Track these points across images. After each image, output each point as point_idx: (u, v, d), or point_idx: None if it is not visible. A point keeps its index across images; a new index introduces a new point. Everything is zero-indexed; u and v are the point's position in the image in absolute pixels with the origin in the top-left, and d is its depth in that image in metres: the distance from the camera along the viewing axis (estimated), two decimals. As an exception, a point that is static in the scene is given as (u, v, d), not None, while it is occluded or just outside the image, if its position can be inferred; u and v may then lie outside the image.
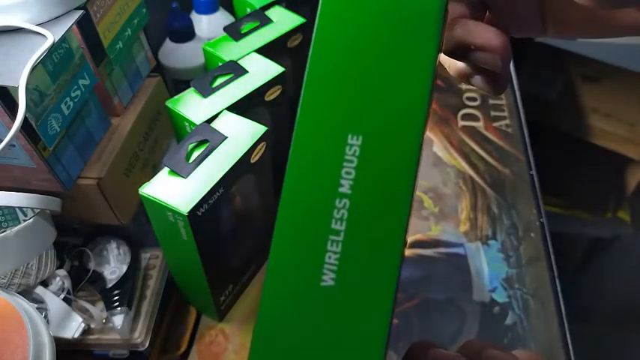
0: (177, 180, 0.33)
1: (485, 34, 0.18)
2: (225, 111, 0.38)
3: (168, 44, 0.55)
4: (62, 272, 0.41)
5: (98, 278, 0.42)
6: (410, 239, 0.51)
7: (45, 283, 0.40)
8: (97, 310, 0.40)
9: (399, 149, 0.15)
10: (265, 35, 0.43)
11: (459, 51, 0.19)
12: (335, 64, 0.16)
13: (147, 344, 0.40)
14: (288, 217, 0.16)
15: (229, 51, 0.42)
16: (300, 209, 0.15)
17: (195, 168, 0.34)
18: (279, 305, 0.15)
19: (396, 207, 0.15)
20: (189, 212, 0.32)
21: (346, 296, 0.15)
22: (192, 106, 0.38)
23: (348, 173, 0.15)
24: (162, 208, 0.32)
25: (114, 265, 0.43)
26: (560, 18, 0.19)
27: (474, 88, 0.69)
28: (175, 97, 0.39)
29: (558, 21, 0.20)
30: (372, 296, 0.15)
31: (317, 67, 0.16)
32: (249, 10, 0.48)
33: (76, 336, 0.38)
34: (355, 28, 0.15)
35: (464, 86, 0.67)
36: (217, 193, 0.34)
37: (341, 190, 0.15)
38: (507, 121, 0.62)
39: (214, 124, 0.37)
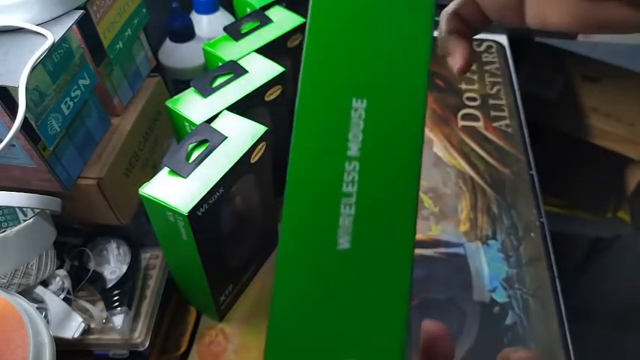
0: (177, 180, 0.33)
1: (453, 56, 0.23)
2: (225, 111, 0.38)
3: (168, 44, 0.55)
4: (62, 272, 0.41)
5: (98, 278, 0.42)
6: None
7: (45, 283, 0.40)
8: (97, 310, 0.40)
9: (404, 108, 0.15)
10: (265, 35, 0.43)
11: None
12: (333, 30, 0.16)
13: (147, 344, 0.40)
14: (298, 185, 0.15)
15: (229, 51, 0.42)
16: (309, 176, 0.15)
17: (195, 168, 0.34)
18: (296, 274, 0.15)
19: (405, 164, 0.15)
20: (189, 212, 0.32)
21: (364, 257, 0.14)
22: (192, 106, 0.38)
23: (355, 136, 0.15)
24: (162, 208, 0.32)
25: (114, 265, 0.43)
26: (540, 7, 0.20)
27: (475, 88, 0.69)
28: (175, 97, 0.39)
29: (538, 10, 0.20)
30: (390, 253, 0.14)
31: (316, 33, 0.16)
32: (249, 10, 0.48)
33: (76, 336, 0.38)
34: None
35: (464, 86, 0.67)
36: (217, 193, 0.34)
37: (349, 153, 0.15)
38: (507, 121, 0.62)
39: (214, 124, 0.37)
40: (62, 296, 0.40)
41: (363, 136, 0.15)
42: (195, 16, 0.58)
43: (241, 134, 0.36)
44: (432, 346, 0.17)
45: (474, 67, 0.69)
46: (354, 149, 0.15)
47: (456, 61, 0.23)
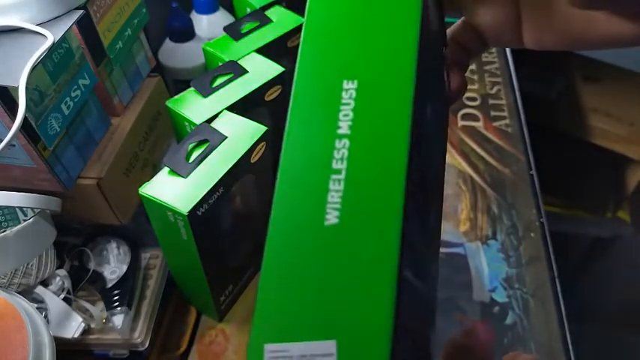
0: (177, 180, 0.33)
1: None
2: (225, 111, 0.38)
3: (168, 44, 0.55)
4: (62, 272, 0.41)
5: (98, 278, 0.42)
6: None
7: (45, 283, 0.40)
8: (97, 309, 0.40)
9: (393, 89, 0.15)
10: (265, 35, 0.43)
11: None
12: (328, 17, 0.17)
13: (147, 344, 0.40)
14: (290, 161, 0.16)
15: (229, 51, 0.42)
16: (301, 153, 0.16)
17: (195, 168, 0.34)
18: (284, 249, 0.15)
19: (394, 143, 0.15)
20: (189, 212, 0.32)
21: (351, 232, 0.14)
22: (192, 106, 0.38)
23: (345, 115, 0.16)
24: (162, 208, 0.32)
25: (114, 265, 0.43)
26: (537, 30, 0.20)
27: (474, 87, 0.69)
28: (175, 97, 0.39)
29: (535, 33, 0.21)
30: (377, 230, 0.14)
31: (312, 21, 0.17)
32: (249, 10, 0.48)
33: (76, 336, 0.38)
34: None
35: (464, 86, 0.66)
36: (217, 193, 0.34)
37: (340, 131, 0.15)
38: (507, 121, 0.62)
39: (214, 124, 0.37)
40: (62, 296, 0.40)
41: (354, 114, 0.15)
42: (195, 16, 0.58)
43: (241, 134, 0.36)
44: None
45: (473, 67, 0.69)
46: (344, 127, 0.15)
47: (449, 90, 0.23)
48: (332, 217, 0.15)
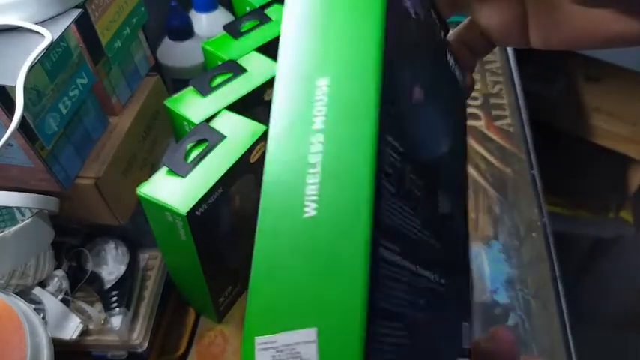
0: (175, 180, 0.33)
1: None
2: (224, 110, 0.37)
3: (167, 43, 0.55)
4: (60, 273, 0.41)
5: (96, 279, 0.42)
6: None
7: (43, 284, 0.40)
8: (96, 310, 0.40)
9: (361, 85, 0.16)
10: (265, 34, 0.43)
11: None
12: (302, 20, 0.18)
13: (145, 345, 0.39)
14: (273, 158, 0.17)
15: (229, 50, 0.42)
16: (282, 150, 0.17)
17: (193, 168, 0.33)
18: (268, 243, 0.16)
19: (362, 135, 0.16)
20: (188, 212, 0.31)
21: (328, 224, 0.15)
22: (191, 106, 0.38)
23: (319, 111, 0.16)
24: (160, 208, 0.32)
25: (112, 266, 0.43)
26: (543, 30, 0.20)
27: (476, 87, 0.69)
28: (174, 96, 0.39)
29: (541, 33, 0.21)
30: (350, 219, 0.15)
31: (289, 17, 0.18)
32: (248, 9, 0.47)
33: (74, 337, 0.38)
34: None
35: (465, 85, 0.66)
36: (216, 193, 0.33)
37: (314, 127, 0.16)
38: (509, 121, 0.61)
39: (213, 124, 0.36)
40: (60, 297, 0.40)
41: (327, 110, 0.16)
42: (194, 15, 0.58)
43: (240, 134, 0.36)
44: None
45: (475, 67, 0.68)
46: (318, 122, 0.16)
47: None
48: (310, 210, 0.15)
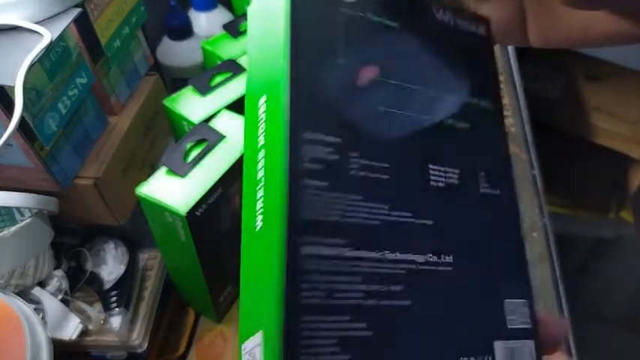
0: (175, 180, 0.33)
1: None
2: (223, 110, 0.37)
3: (166, 42, 0.55)
4: (59, 273, 0.41)
5: (96, 279, 0.42)
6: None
7: (42, 284, 0.40)
8: (95, 311, 0.40)
9: (279, 96, 0.17)
10: (265, 33, 0.43)
11: None
12: (254, 34, 0.19)
13: (145, 346, 0.39)
14: (245, 176, 0.18)
15: (228, 49, 0.42)
16: (246, 167, 0.18)
17: (193, 167, 0.33)
18: (243, 258, 0.18)
19: (276, 144, 0.17)
20: (188, 212, 0.31)
21: (266, 236, 0.16)
22: (190, 105, 0.38)
23: (261, 128, 0.18)
24: (159, 209, 0.32)
25: (111, 266, 0.43)
26: (540, 27, 0.21)
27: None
28: (173, 95, 0.39)
29: (539, 30, 0.21)
30: (269, 229, 0.16)
31: (249, 36, 0.20)
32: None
33: (73, 337, 0.38)
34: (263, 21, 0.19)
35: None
36: (216, 193, 0.33)
37: (259, 145, 0.18)
38: (510, 120, 0.61)
39: (212, 123, 0.36)
40: (59, 297, 0.39)
41: (265, 126, 0.17)
42: (193, 14, 0.58)
43: (240, 133, 0.35)
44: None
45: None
46: (261, 140, 0.17)
47: None
48: (259, 222, 0.17)
